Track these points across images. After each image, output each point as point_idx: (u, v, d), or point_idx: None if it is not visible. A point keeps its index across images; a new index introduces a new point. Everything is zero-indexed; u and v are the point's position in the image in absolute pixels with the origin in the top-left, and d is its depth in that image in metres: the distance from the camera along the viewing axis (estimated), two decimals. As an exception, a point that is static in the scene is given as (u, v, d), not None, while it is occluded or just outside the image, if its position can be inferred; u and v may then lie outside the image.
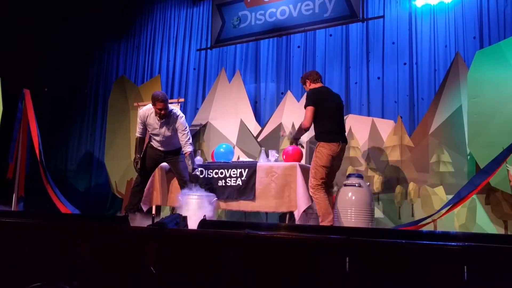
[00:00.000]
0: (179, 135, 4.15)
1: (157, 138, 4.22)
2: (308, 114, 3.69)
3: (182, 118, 4.18)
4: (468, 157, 4.37)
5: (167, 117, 4.13)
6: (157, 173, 4.49)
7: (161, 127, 4.16)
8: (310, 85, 3.93)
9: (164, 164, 4.44)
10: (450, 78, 4.62)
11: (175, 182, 4.45)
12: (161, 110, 4.05)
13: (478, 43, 4.64)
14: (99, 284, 2.24)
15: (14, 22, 6.74)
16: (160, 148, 4.27)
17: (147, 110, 4.20)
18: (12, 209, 5.52)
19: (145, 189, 4.37)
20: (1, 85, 5.68)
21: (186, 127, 4.18)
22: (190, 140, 4.19)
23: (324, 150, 3.60)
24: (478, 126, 4.08)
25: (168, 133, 4.18)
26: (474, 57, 4.23)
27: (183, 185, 4.14)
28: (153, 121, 4.16)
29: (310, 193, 3.64)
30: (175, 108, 4.36)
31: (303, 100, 5.37)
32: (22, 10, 6.71)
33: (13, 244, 2.58)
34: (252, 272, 1.87)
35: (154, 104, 4.08)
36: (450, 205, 3.50)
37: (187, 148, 4.11)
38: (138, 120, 4.26)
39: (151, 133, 4.25)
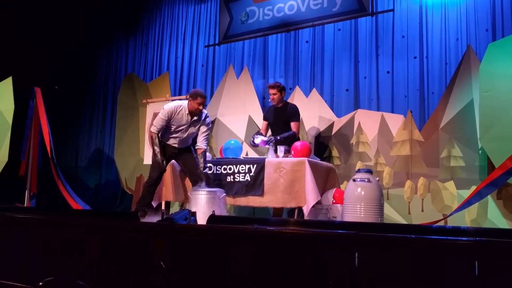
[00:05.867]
0: (202, 131, 4.19)
1: (178, 135, 4.21)
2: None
3: (209, 118, 4.28)
4: (480, 151, 4.31)
5: (198, 116, 4.18)
6: (167, 169, 4.50)
7: (190, 125, 4.17)
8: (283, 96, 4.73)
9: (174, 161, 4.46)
10: (461, 71, 4.55)
11: (184, 178, 4.46)
12: (200, 105, 4.09)
13: (491, 35, 4.55)
14: (110, 278, 2.26)
15: (24, 22, 6.80)
16: (175, 145, 4.27)
17: (176, 107, 4.14)
18: (25, 206, 5.61)
19: (155, 185, 4.39)
20: (12, 84, 5.75)
21: (210, 126, 4.31)
22: (208, 140, 4.30)
23: None
24: (490, 120, 4.01)
25: (194, 130, 4.21)
26: (486, 50, 4.15)
27: (195, 180, 4.15)
28: (182, 118, 4.14)
29: None
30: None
31: (312, 95, 5.39)
32: (31, 9, 6.76)
33: (26, 239, 2.62)
34: (260, 267, 1.88)
35: (195, 99, 4.06)
36: (471, 205, 3.49)
37: (203, 146, 4.16)
38: (162, 117, 4.13)
39: (172, 130, 4.21)
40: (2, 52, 6.34)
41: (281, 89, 4.64)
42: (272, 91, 4.63)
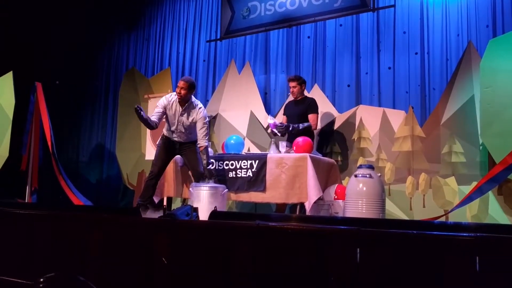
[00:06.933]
0: (199, 126, 4.18)
1: (175, 127, 4.25)
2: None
3: (203, 109, 4.26)
4: (481, 147, 4.31)
5: (188, 106, 4.19)
6: (169, 165, 4.51)
7: (181, 114, 4.20)
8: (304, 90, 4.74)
9: (177, 156, 4.47)
10: (462, 67, 4.54)
11: (186, 174, 4.47)
12: (180, 89, 4.11)
13: (491, 31, 4.55)
14: (111, 274, 2.27)
15: (24, 16, 6.78)
16: (175, 139, 4.30)
17: (170, 94, 4.28)
18: (26, 201, 5.62)
19: (157, 180, 4.40)
20: (13, 79, 5.75)
21: (207, 121, 4.25)
22: (208, 136, 4.26)
23: None
24: (491, 116, 4.01)
25: (187, 122, 4.21)
26: (487, 46, 4.15)
27: (197, 176, 4.16)
28: (175, 107, 4.20)
29: None
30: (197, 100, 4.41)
31: (313, 91, 5.38)
32: (31, 9, 6.74)
33: (27, 235, 2.63)
34: (262, 263, 1.88)
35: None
36: (472, 201, 3.50)
37: (204, 142, 4.15)
38: (157, 103, 4.26)
39: (170, 122, 4.27)
40: (2, 52, 6.33)
41: (301, 82, 4.68)
42: (292, 83, 4.65)
